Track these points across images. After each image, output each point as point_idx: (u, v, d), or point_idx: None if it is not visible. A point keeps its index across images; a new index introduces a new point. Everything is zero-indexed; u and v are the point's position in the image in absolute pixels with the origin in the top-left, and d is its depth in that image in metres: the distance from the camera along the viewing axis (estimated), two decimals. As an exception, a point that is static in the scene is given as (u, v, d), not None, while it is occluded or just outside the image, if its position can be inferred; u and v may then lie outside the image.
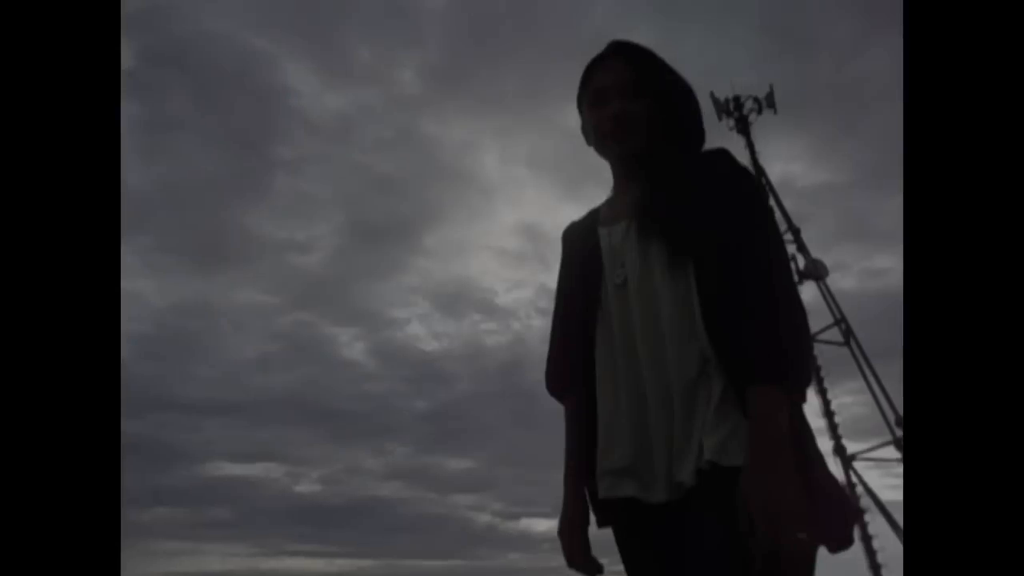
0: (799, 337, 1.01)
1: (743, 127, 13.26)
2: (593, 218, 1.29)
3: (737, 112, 13.40)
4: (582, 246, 1.25)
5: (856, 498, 9.81)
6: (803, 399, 1.02)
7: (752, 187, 1.12)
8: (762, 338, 0.98)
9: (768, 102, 13.22)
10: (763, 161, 12.89)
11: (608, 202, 1.30)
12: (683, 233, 1.08)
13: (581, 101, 1.31)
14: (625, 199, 1.22)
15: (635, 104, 1.21)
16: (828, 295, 11.72)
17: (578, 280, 1.22)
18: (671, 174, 1.15)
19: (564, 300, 1.28)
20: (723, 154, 1.17)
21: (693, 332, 1.05)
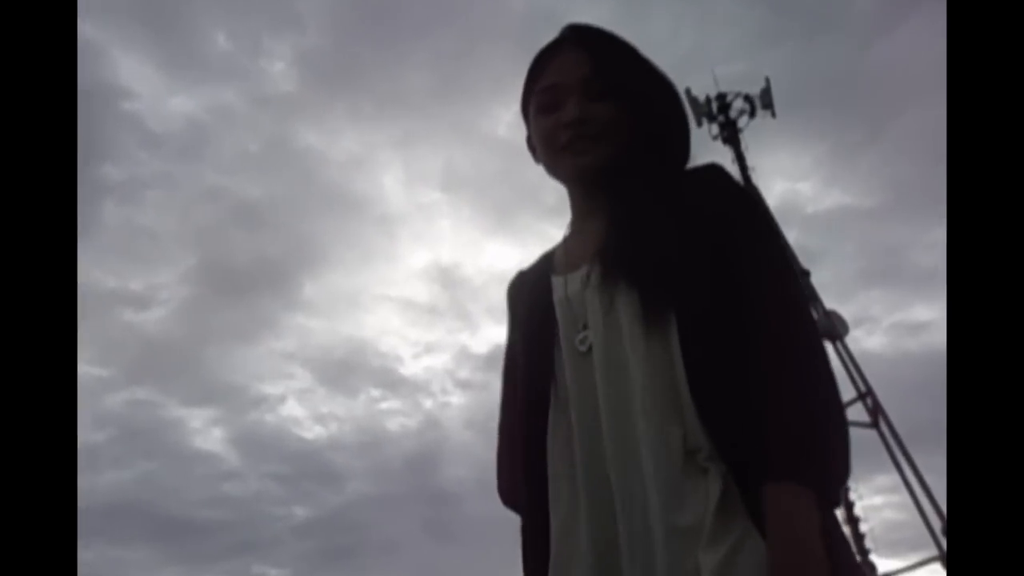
0: (830, 415, 1.04)
1: (730, 135, 13.76)
2: (546, 264, 1.33)
3: (722, 115, 13.86)
4: (531, 302, 1.29)
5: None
6: (836, 502, 1.04)
7: (759, 215, 1.17)
8: (782, 417, 1.00)
9: (763, 101, 13.63)
10: (758, 179, 13.24)
11: (565, 241, 1.34)
12: (659, 278, 1.11)
13: (527, 103, 1.35)
14: (585, 236, 1.27)
15: (599, 107, 1.25)
16: (849, 360, 12.02)
17: (526, 348, 1.26)
18: (645, 199, 1.19)
19: (512, 377, 1.31)
20: (715, 172, 1.22)
21: (677, 411, 1.07)
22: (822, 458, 1.00)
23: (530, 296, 1.30)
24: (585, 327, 1.18)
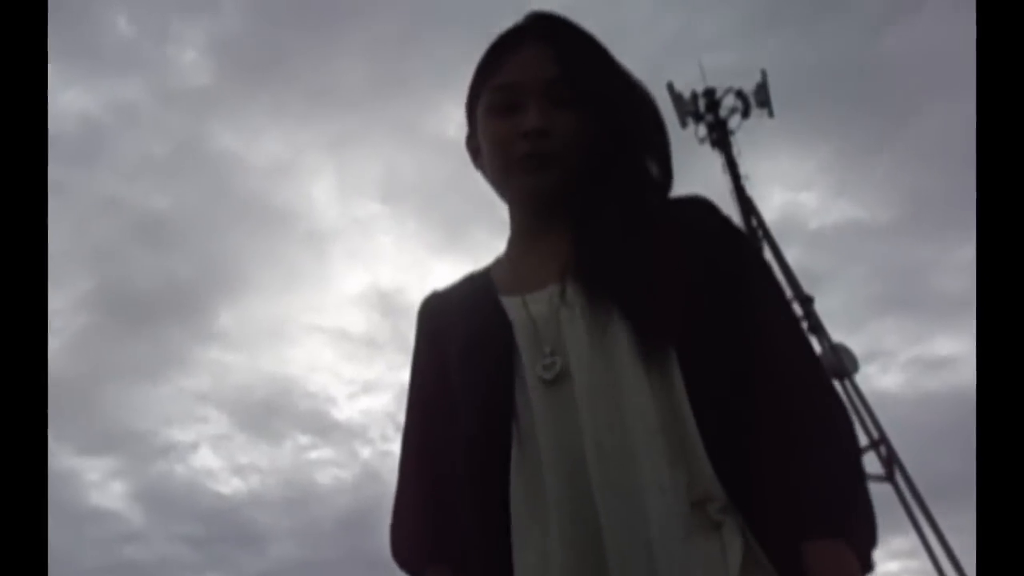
0: (857, 465, 1.09)
1: (720, 137, 13.48)
2: (479, 285, 1.34)
3: (711, 114, 13.61)
4: (474, 324, 1.29)
5: None
6: (873, 566, 1.07)
7: (757, 254, 1.22)
8: (817, 466, 1.04)
9: (759, 98, 13.38)
10: (753, 189, 12.97)
11: (500, 264, 1.36)
12: (654, 305, 1.14)
13: (475, 98, 1.36)
14: (540, 256, 1.28)
15: (564, 116, 1.27)
16: (859, 401, 11.85)
17: (469, 376, 1.25)
18: (617, 220, 1.22)
19: (429, 411, 1.32)
20: (702, 206, 1.26)
21: (681, 456, 1.08)
22: (866, 513, 1.05)
23: (470, 318, 1.30)
24: (552, 352, 1.18)
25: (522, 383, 1.20)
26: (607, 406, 1.12)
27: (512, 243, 1.37)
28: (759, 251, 1.23)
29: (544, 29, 1.32)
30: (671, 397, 1.11)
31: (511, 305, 1.26)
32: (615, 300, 1.16)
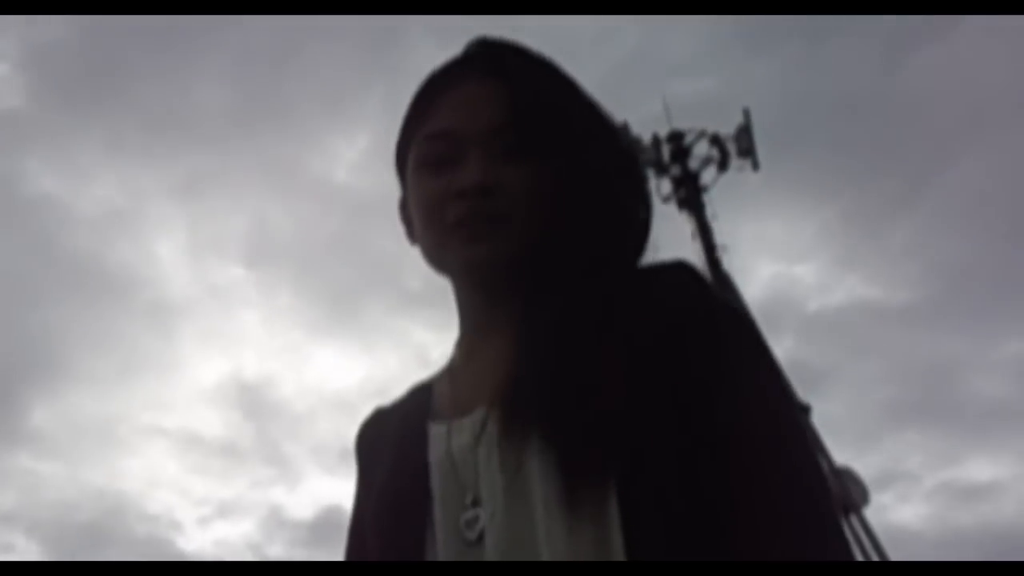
0: None
1: (690, 195, 12.51)
2: (421, 402, 1.32)
3: (677, 165, 12.70)
4: (394, 461, 1.26)
5: None
6: None
7: (757, 341, 1.17)
8: None
9: (740, 144, 12.58)
10: (732, 265, 12.15)
11: (451, 370, 1.34)
12: (591, 430, 1.06)
13: (404, 151, 1.33)
14: (482, 363, 1.25)
15: (511, 171, 1.22)
16: (869, 542, 10.83)
17: (380, 531, 1.22)
18: (572, 309, 1.17)
19: (356, 556, 1.33)
20: (681, 276, 1.20)
21: None
22: None
23: (395, 452, 1.26)
24: (476, 503, 1.12)
25: (435, 543, 1.13)
26: (518, 571, 1.07)
27: (458, 343, 1.33)
28: (751, 331, 1.14)
29: (490, 60, 1.28)
30: (606, 551, 1.03)
31: (436, 436, 1.21)
32: (532, 429, 1.08)
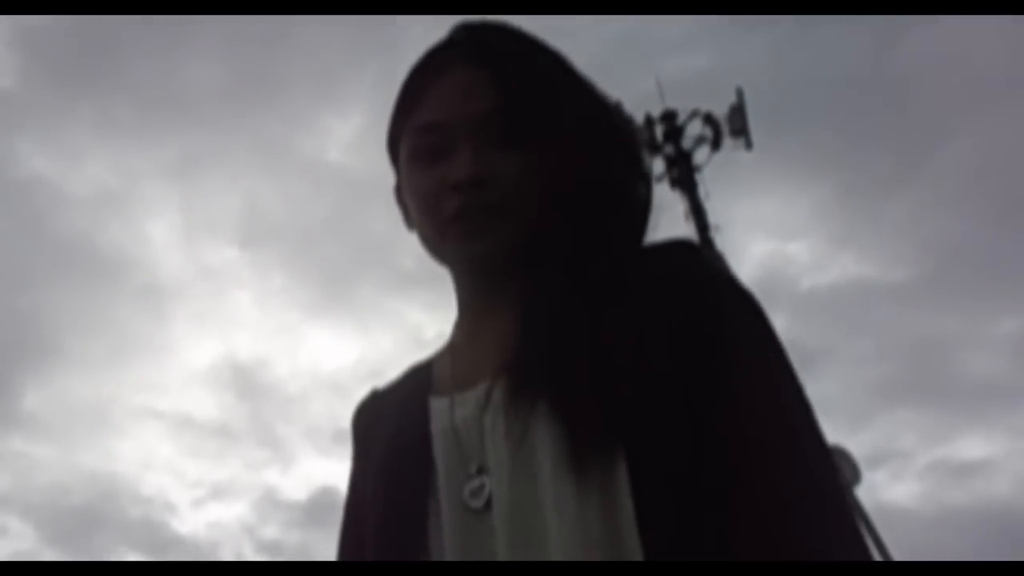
0: None
1: (683, 175, 12.48)
2: (420, 381, 1.32)
3: (671, 145, 12.67)
4: (394, 434, 1.27)
5: None
6: None
7: (759, 317, 1.15)
8: None
9: (734, 123, 12.58)
10: (725, 244, 12.02)
11: (451, 349, 1.33)
12: (600, 400, 1.07)
13: (396, 140, 1.32)
14: (482, 342, 1.26)
15: (505, 161, 1.21)
16: (862, 520, 10.82)
17: (382, 501, 1.23)
18: (573, 291, 1.17)
19: (356, 538, 1.30)
20: (682, 253, 1.20)
21: None
22: None
23: (395, 426, 1.26)
24: (481, 471, 1.12)
25: (438, 512, 1.14)
26: (528, 545, 1.06)
27: (457, 324, 1.33)
28: (754, 306, 1.12)
29: (476, 45, 1.26)
30: (614, 528, 1.02)
31: (438, 409, 1.21)
32: (539, 396, 1.08)
